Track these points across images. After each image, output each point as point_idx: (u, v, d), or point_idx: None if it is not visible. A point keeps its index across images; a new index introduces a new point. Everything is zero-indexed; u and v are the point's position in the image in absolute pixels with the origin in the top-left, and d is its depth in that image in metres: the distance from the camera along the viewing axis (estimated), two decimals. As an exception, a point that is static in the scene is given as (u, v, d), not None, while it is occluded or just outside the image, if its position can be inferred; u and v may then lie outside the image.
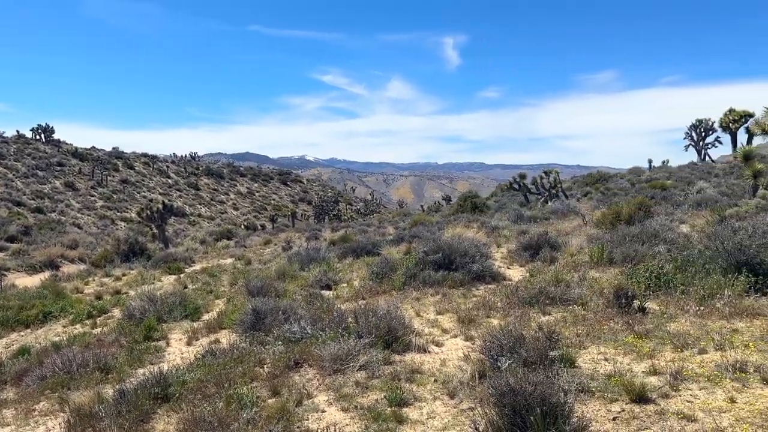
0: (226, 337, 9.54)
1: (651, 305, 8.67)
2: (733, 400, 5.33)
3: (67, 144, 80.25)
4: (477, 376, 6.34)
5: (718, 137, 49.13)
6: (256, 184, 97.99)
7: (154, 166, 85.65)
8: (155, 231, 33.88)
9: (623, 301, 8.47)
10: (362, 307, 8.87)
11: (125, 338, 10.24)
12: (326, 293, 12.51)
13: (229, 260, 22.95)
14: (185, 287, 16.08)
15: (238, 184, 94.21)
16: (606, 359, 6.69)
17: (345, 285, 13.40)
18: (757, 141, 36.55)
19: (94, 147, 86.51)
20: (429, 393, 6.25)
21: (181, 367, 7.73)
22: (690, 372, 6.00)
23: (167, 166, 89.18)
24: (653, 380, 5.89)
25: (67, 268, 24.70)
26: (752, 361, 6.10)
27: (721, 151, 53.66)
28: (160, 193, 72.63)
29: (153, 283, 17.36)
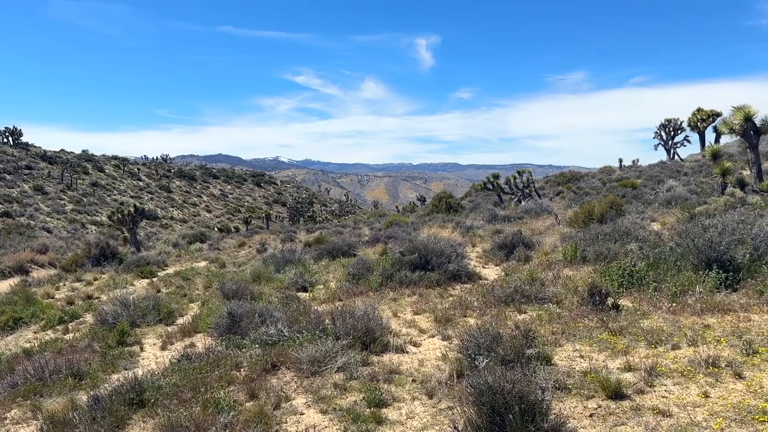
0: (201, 341, 9.43)
1: (624, 302, 8.80)
2: (706, 395, 5.43)
3: (35, 147, 78.75)
4: (455, 375, 6.36)
5: (687, 136, 50.13)
6: (229, 186, 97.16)
7: (125, 169, 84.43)
8: (127, 234, 33.38)
9: (597, 298, 8.58)
10: (339, 308, 8.84)
11: (98, 344, 10.06)
12: (302, 295, 12.46)
13: (203, 263, 22.71)
14: (158, 291, 15.86)
15: (210, 186, 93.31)
16: (581, 356, 6.76)
17: (321, 287, 13.35)
18: (725, 140, 37.38)
19: (63, 150, 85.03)
20: (408, 393, 6.26)
21: (156, 372, 7.61)
22: (664, 368, 6.10)
23: (138, 169, 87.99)
24: (628, 376, 5.97)
25: (37, 273, 24.20)
26: (724, 356, 6.22)
27: (689, 149, 54.72)
28: (131, 196, 71.63)
29: (125, 287, 17.09)
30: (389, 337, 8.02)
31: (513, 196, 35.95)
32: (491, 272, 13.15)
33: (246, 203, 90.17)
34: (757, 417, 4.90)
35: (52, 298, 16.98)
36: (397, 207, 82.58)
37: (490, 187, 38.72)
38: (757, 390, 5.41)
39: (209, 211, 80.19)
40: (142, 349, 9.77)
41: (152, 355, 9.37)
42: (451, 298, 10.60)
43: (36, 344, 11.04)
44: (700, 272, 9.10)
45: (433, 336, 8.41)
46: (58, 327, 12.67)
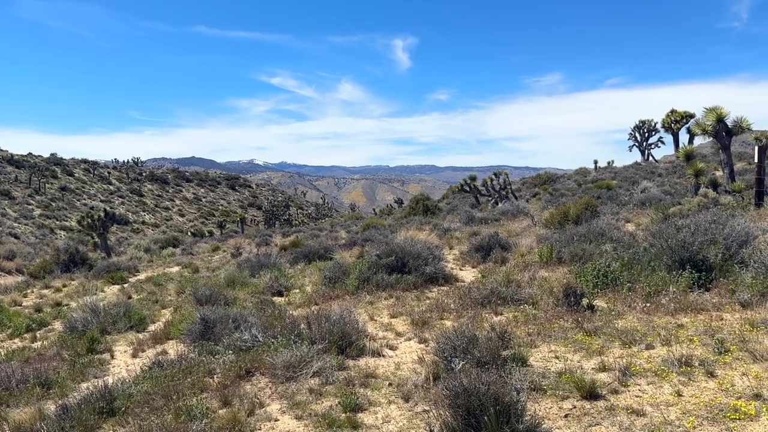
0: (173, 348, 9.35)
1: (599, 303, 8.91)
2: (679, 394, 5.52)
3: (1, 150, 77.31)
4: (431, 378, 6.39)
5: (661, 138, 50.99)
6: (202, 190, 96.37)
7: (95, 173, 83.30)
8: (97, 240, 32.92)
9: (572, 299, 8.68)
10: (315, 312, 8.83)
11: (67, 352, 9.91)
12: (278, 300, 12.40)
13: (176, 268, 22.48)
14: (129, 297, 15.68)
15: (183, 190, 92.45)
16: (557, 357, 6.84)
17: (297, 291, 13.31)
18: (698, 141, 38.07)
19: (30, 153, 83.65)
20: (384, 397, 6.26)
21: (127, 380, 7.53)
22: (638, 367, 6.19)
23: (109, 173, 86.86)
24: (603, 376, 6.05)
25: (4, 280, 23.74)
26: (697, 355, 6.33)
27: (663, 151, 55.72)
28: (101, 201, 70.66)
29: (95, 293, 16.85)
30: (365, 341, 8.02)
31: (490, 198, 36.21)
32: (468, 274, 13.23)
33: (220, 207, 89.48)
34: (728, 415, 5.00)
35: (20, 305, 16.68)
36: (374, 209, 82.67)
37: (467, 189, 38.98)
38: (728, 388, 5.52)
39: (182, 216, 79.43)
40: (112, 357, 9.65)
41: (123, 363, 9.26)
42: (428, 301, 10.64)
43: (2, 353, 10.83)
44: (674, 272, 9.26)
45: (409, 339, 8.43)
46: (25, 335, 12.46)
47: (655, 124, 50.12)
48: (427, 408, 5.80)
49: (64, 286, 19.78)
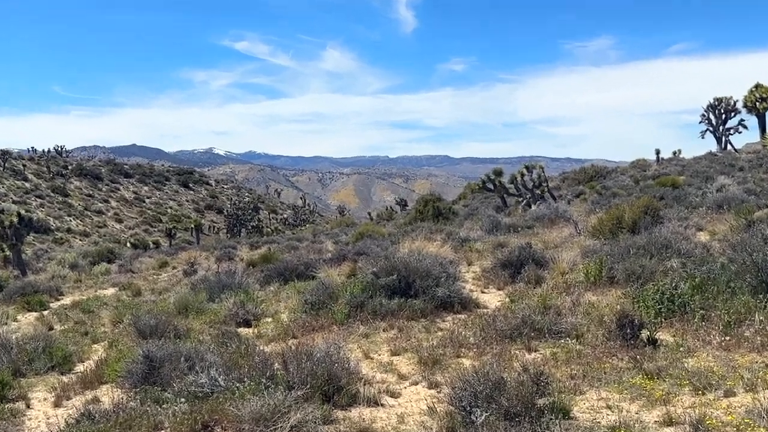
0: (108, 395, 9.34)
1: (663, 336, 8.91)
2: (768, 455, 5.51)
3: None
4: (445, 434, 6.38)
5: (743, 120, 51.06)
6: (146, 188, 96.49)
7: (6, 165, 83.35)
8: (8, 253, 32.94)
9: (628, 331, 8.67)
10: (293, 348, 8.82)
11: (-31, 400, 9.89)
12: (244, 331, 12.42)
13: (111, 290, 22.53)
14: (51, 328, 15.71)
15: (121, 188, 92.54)
16: (608, 407, 6.82)
17: (270, 320, 13.36)
18: (790, 125, 38.11)
19: None
20: (383, 459, 6.26)
21: (48, 437, 7.52)
22: (714, 420, 6.17)
23: (24, 165, 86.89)
24: (669, 432, 6.04)
25: None
26: (791, 403, 6.32)
27: (746, 137, 55.64)
28: (13, 202, 70.64)
29: (6, 323, 16.86)
30: (359, 386, 8.02)
31: (520, 199, 36.27)
32: (492, 298, 13.25)
33: (169, 210, 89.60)
34: (832, 482, 4.99)
35: None
36: (369, 213, 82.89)
37: (491, 186, 39.04)
38: (832, 447, 5.51)
39: (119, 221, 79.50)
40: (28, 406, 9.63)
41: (42, 414, 9.25)
42: (440, 333, 10.66)
43: None
44: (761, 296, 9.25)
45: (416, 383, 8.44)
46: None
47: (735, 103, 50.28)
48: (439, 473, 5.80)
49: (-34, 313, 19.78)
